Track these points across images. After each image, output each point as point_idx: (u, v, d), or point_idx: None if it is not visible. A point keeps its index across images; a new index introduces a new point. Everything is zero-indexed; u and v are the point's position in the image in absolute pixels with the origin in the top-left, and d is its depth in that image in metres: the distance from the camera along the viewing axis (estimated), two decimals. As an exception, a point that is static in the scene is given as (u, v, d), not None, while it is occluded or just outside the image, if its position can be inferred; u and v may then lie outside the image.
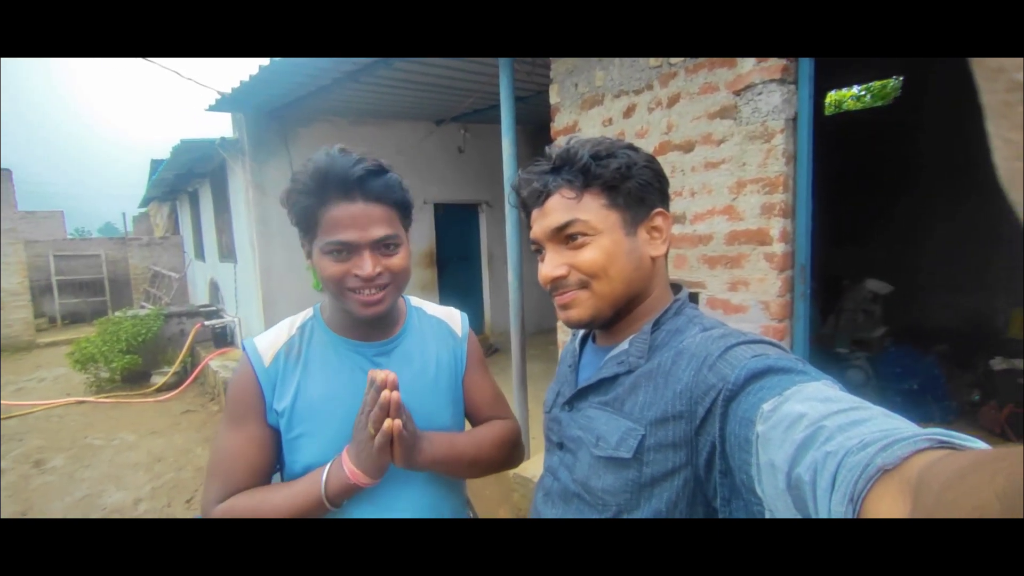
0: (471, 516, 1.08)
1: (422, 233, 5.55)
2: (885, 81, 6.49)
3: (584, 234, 0.63)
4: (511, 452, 0.92)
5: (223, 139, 4.65)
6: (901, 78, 5.31)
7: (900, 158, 4.76)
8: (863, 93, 7.72)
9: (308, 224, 0.74)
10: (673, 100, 2.03)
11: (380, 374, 0.68)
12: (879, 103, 6.95)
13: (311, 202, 0.72)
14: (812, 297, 1.91)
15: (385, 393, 0.67)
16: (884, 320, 3.79)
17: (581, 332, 0.80)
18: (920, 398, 3.18)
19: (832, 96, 6.84)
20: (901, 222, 4.81)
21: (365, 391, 0.70)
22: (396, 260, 0.76)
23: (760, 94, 1.78)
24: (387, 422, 0.67)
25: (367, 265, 0.72)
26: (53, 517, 2.86)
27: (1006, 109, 0.16)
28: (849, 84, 6.33)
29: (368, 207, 0.72)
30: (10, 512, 2.94)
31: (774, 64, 1.73)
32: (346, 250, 0.72)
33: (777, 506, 0.40)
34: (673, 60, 2.01)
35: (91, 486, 3.23)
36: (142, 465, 3.51)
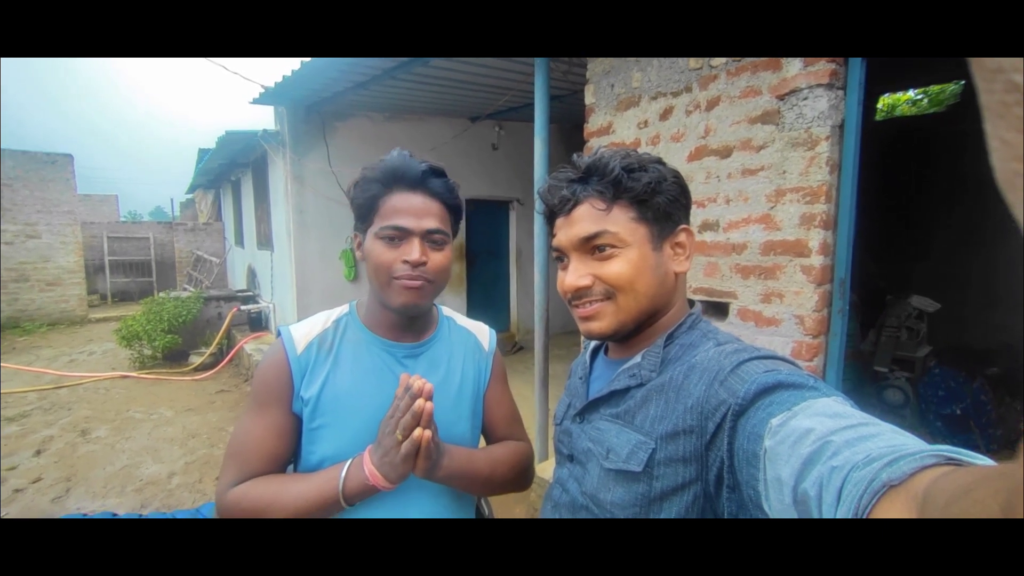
0: (486, 512, 1.09)
1: (453, 228, 5.59)
2: (944, 85, 6.13)
3: (613, 246, 0.63)
4: (523, 475, 0.92)
5: (265, 131, 4.80)
6: (962, 83, 5.00)
7: (955, 167, 4.49)
8: (920, 97, 7.32)
9: (368, 210, 0.80)
10: (712, 103, 1.97)
11: (417, 381, 0.69)
12: (936, 109, 6.58)
13: (378, 189, 0.79)
14: (852, 311, 1.82)
15: (420, 402, 0.68)
16: (929, 339, 3.60)
17: (593, 344, 0.79)
18: (963, 424, 3.01)
19: (885, 100, 6.51)
20: (953, 235, 4.54)
21: (396, 394, 0.71)
22: (440, 256, 0.80)
23: (806, 99, 1.70)
24: (417, 431, 0.68)
25: (415, 251, 0.76)
26: (95, 485, 3.03)
27: (1004, 110, 0.15)
28: (905, 88, 6.01)
29: (427, 200, 0.79)
30: (56, 477, 3.13)
31: (822, 68, 1.65)
32: (399, 236, 0.77)
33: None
34: (714, 62, 1.95)
35: (130, 457, 3.41)
36: (177, 440, 3.68)
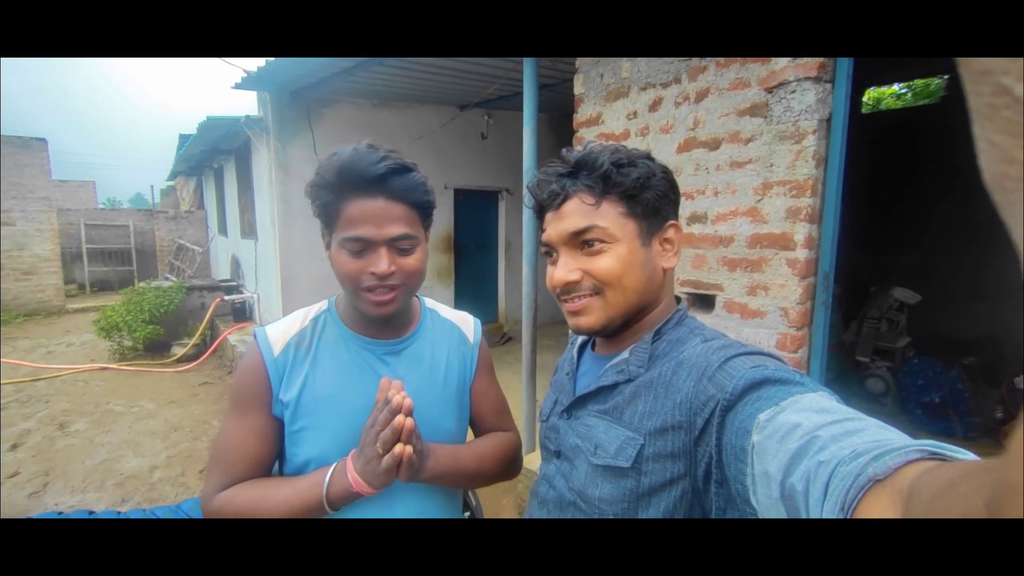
0: (473, 503, 1.08)
1: (441, 218, 5.54)
2: (929, 80, 6.20)
3: (601, 241, 0.62)
4: (511, 466, 0.92)
5: (248, 117, 4.68)
6: (946, 77, 5.06)
7: (939, 161, 4.56)
8: (904, 91, 7.41)
9: (328, 218, 0.74)
10: (702, 95, 1.96)
11: (396, 395, 0.67)
12: (921, 102, 6.66)
13: (332, 197, 0.72)
14: (835, 302, 1.85)
15: (399, 419, 0.66)
16: (909, 330, 3.67)
17: (580, 340, 0.79)
18: (941, 412, 3.09)
19: (871, 93, 6.57)
20: (935, 228, 4.63)
21: (377, 402, 0.70)
22: (410, 261, 0.76)
23: (794, 92, 1.70)
24: (398, 446, 0.67)
25: (383, 263, 0.72)
26: (73, 480, 2.98)
27: (992, 112, 0.15)
28: (890, 82, 6.07)
29: (388, 205, 0.72)
30: (34, 471, 3.07)
31: (810, 61, 1.65)
32: (363, 246, 0.72)
33: (771, 516, 0.41)
34: (704, 53, 1.94)
35: (110, 451, 3.35)
36: (159, 433, 3.63)
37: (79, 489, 2.88)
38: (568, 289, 0.65)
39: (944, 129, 4.50)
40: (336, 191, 0.72)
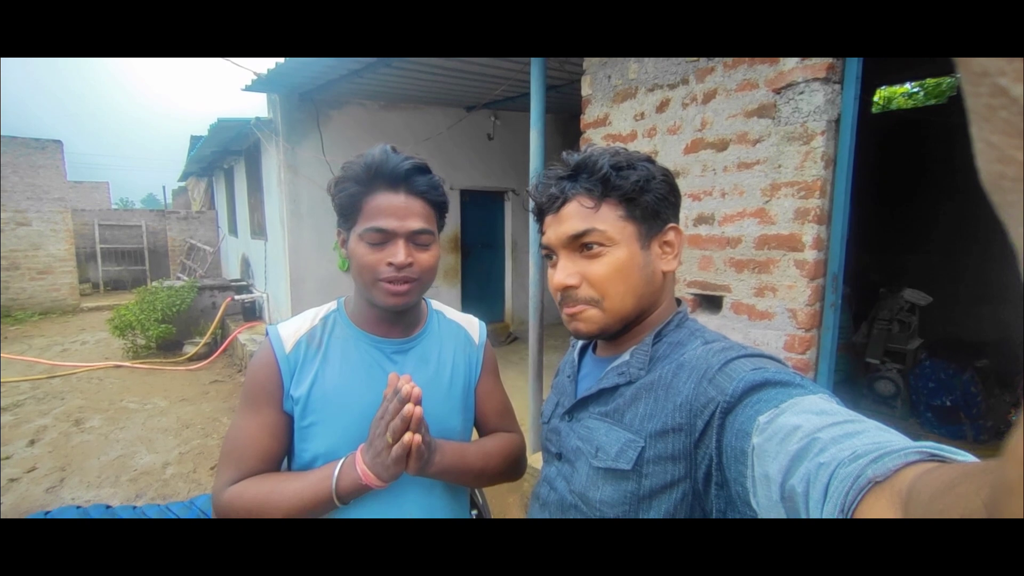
0: (480, 501, 1.10)
1: (447, 218, 5.51)
2: (940, 79, 6.13)
3: (600, 244, 0.62)
4: (515, 466, 0.93)
5: (258, 119, 4.73)
6: (958, 76, 5.00)
7: (950, 160, 4.50)
8: (916, 90, 7.32)
9: (351, 211, 0.78)
10: (709, 96, 1.96)
11: (405, 385, 0.69)
12: (932, 101, 6.58)
13: (358, 189, 0.76)
14: (845, 304, 1.84)
15: (408, 407, 0.68)
16: (921, 332, 3.63)
17: (580, 342, 0.79)
18: (953, 415, 3.05)
19: (882, 92, 6.51)
20: (946, 229, 4.57)
21: (386, 396, 0.71)
22: (426, 256, 0.79)
23: (802, 93, 1.70)
24: (407, 435, 0.68)
25: (401, 253, 0.75)
26: (89, 475, 3.03)
27: (989, 113, 0.15)
28: (902, 81, 6.01)
29: (410, 200, 0.77)
30: (51, 467, 3.13)
31: (819, 62, 1.64)
32: (383, 238, 0.76)
33: (771, 517, 0.41)
34: (711, 54, 1.94)
35: (124, 447, 3.41)
36: (172, 430, 3.68)
37: (95, 484, 2.93)
38: (567, 294, 0.65)
39: (955, 128, 4.44)
40: (363, 183, 0.76)
